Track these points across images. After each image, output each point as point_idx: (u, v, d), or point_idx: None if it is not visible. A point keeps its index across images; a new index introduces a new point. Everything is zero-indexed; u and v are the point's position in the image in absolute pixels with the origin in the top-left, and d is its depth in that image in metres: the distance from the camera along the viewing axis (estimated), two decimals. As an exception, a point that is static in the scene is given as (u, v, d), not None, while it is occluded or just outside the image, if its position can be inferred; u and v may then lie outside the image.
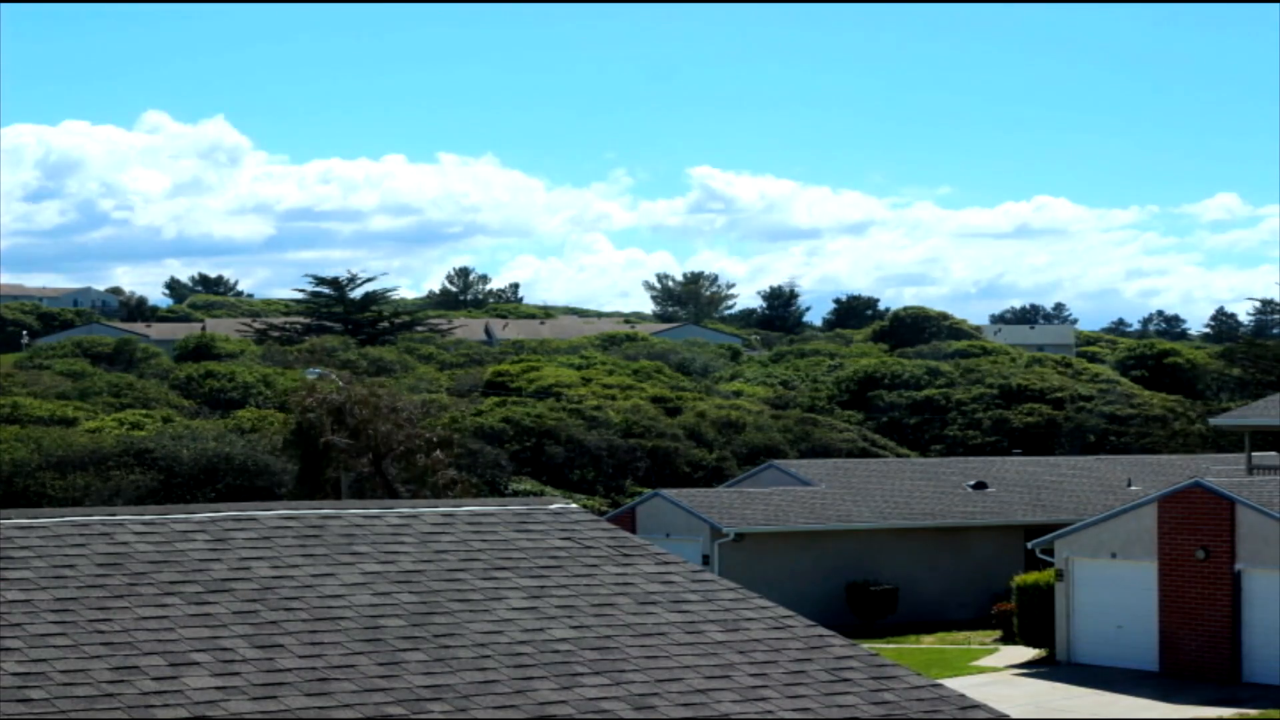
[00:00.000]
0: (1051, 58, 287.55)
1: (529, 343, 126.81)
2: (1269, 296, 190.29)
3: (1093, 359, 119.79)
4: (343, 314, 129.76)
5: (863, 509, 55.18)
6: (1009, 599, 47.69)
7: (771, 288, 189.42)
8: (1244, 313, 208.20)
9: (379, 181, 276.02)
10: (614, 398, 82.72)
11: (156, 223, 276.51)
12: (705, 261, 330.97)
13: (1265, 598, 40.28)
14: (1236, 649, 40.77)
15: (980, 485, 58.38)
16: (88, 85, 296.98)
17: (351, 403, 53.96)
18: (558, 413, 76.54)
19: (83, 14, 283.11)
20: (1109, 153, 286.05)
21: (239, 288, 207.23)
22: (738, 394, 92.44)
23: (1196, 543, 41.29)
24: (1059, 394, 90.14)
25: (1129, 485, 58.15)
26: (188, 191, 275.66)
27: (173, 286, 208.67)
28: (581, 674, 12.12)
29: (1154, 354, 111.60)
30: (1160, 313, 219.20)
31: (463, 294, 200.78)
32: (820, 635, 13.56)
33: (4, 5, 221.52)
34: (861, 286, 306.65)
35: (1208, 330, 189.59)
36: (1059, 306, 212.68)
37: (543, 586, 13.59)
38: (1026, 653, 45.59)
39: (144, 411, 75.07)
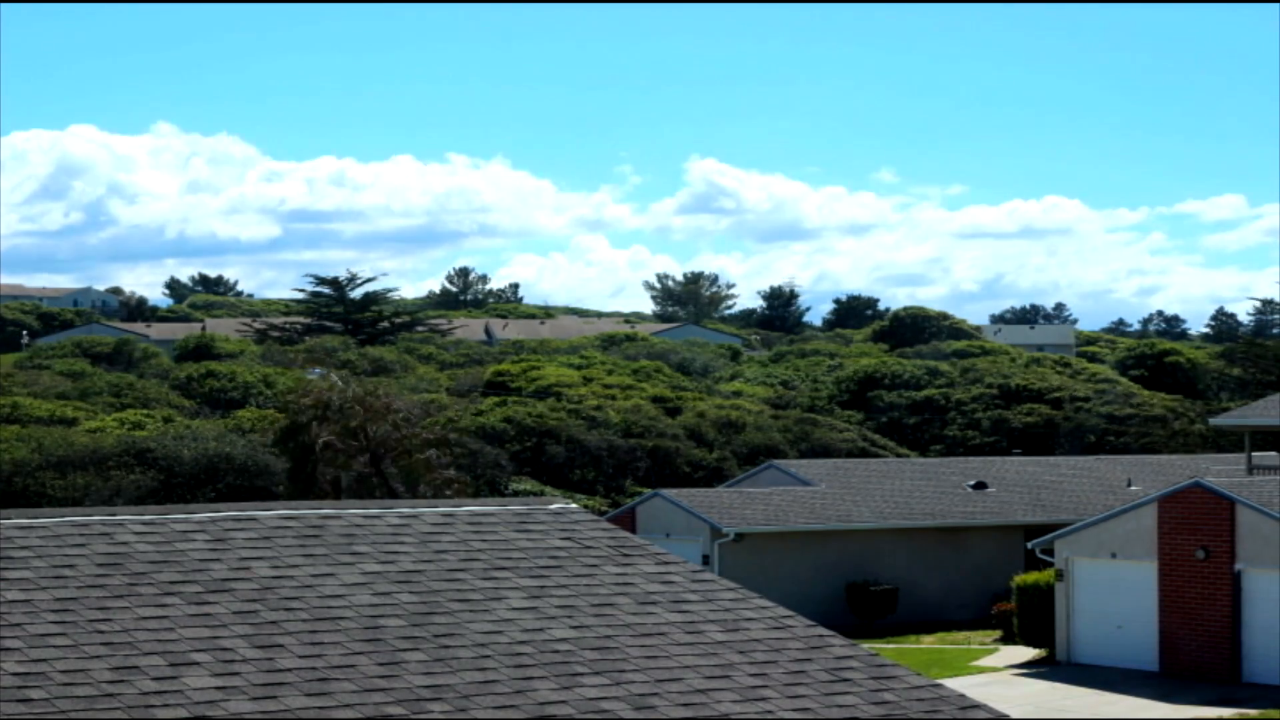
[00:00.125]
0: (1051, 58, 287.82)
1: (529, 343, 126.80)
2: (1269, 296, 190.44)
3: (1092, 359, 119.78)
4: (343, 314, 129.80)
5: (863, 509, 55.19)
6: (1009, 599, 47.69)
7: (772, 288, 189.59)
8: (1244, 313, 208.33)
9: (379, 182, 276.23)
10: (614, 398, 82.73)
11: (157, 223, 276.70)
12: (705, 261, 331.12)
13: (1265, 598, 40.28)
14: (1236, 649, 40.78)
15: (980, 485, 58.38)
16: (90, 86, 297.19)
17: (350, 402, 53.97)
18: (558, 413, 76.54)
19: (83, 14, 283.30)
20: (1109, 153, 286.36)
21: (239, 288, 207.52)
22: (738, 394, 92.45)
23: (1196, 543, 41.29)
24: (1059, 394, 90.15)
25: (1129, 485, 58.15)
26: (188, 191, 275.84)
27: (173, 286, 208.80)
28: (581, 674, 12.12)
29: (1154, 354, 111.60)
30: (1160, 313, 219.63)
31: (462, 294, 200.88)
32: (820, 635, 13.57)
33: (4, 6, 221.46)
34: (861, 286, 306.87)
35: (1208, 330, 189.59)
36: (1059, 306, 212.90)
37: (543, 586, 13.60)
38: (1026, 653, 45.59)
39: (144, 411, 75.08)
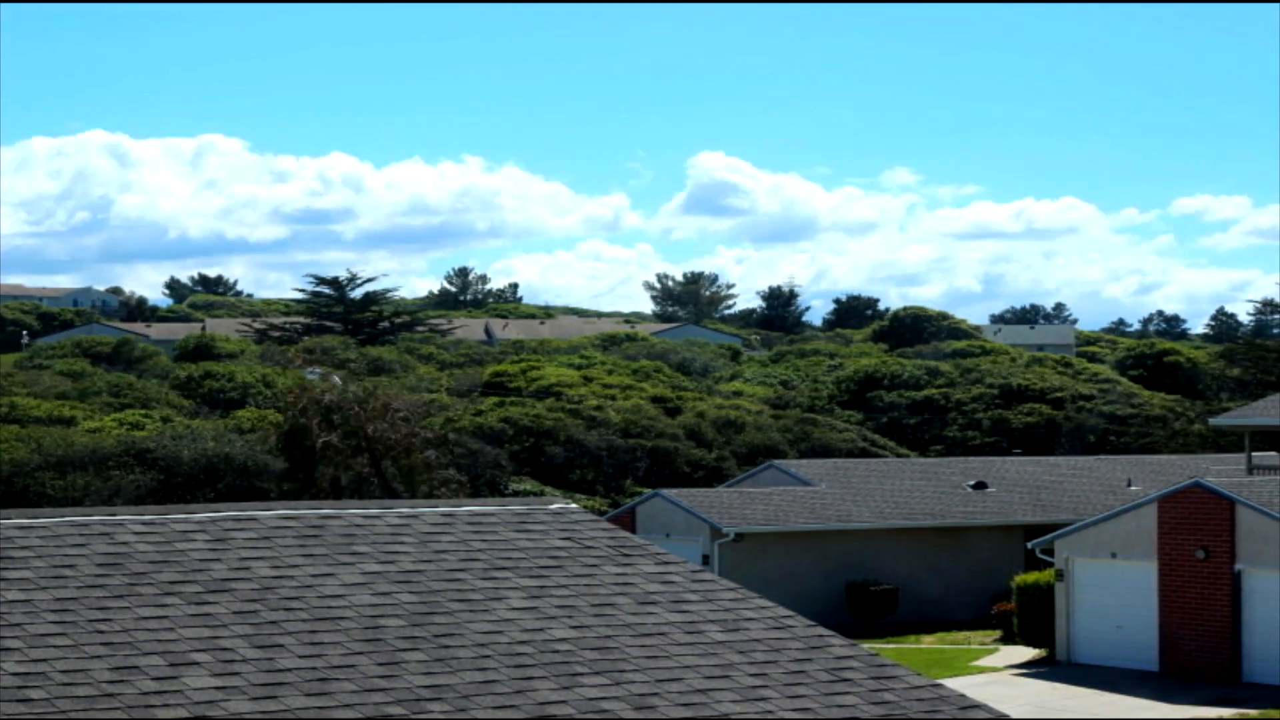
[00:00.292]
0: (1051, 59, 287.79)
1: (529, 343, 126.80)
2: (1269, 296, 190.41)
3: (1093, 359, 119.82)
4: (343, 314, 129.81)
5: (863, 509, 55.18)
6: (1009, 599, 47.68)
7: (771, 288, 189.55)
8: (1244, 313, 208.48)
9: (379, 182, 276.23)
10: (614, 398, 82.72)
11: (158, 223, 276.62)
12: (705, 262, 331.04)
13: (1265, 598, 40.27)
14: (1236, 649, 40.77)
15: (980, 485, 58.38)
16: (90, 86, 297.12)
17: (350, 402, 53.93)
18: (557, 413, 76.52)
19: (83, 14, 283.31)
20: (1110, 153, 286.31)
21: (239, 288, 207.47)
22: (738, 394, 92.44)
23: (1196, 543, 41.28)
24: (1059, 394, 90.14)
25: (1129, 485, 58.14)
26: (189, 192, 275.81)
27: (173, 286, 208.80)
28: (581, 674, 12.12)
29: (1154, 354, 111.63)
30: (1160, 312, 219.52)
31: (462, 294, 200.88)
32: (820, 635, 13.56)
33: (4, 5, 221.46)
34: (861, 286, 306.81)
35: (1208, 330, 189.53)
36: (1059, 306, 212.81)
37: (543, 586, 13.59)
38: (1026, 653, 45.58)
39: (144, 411, 75.07)
